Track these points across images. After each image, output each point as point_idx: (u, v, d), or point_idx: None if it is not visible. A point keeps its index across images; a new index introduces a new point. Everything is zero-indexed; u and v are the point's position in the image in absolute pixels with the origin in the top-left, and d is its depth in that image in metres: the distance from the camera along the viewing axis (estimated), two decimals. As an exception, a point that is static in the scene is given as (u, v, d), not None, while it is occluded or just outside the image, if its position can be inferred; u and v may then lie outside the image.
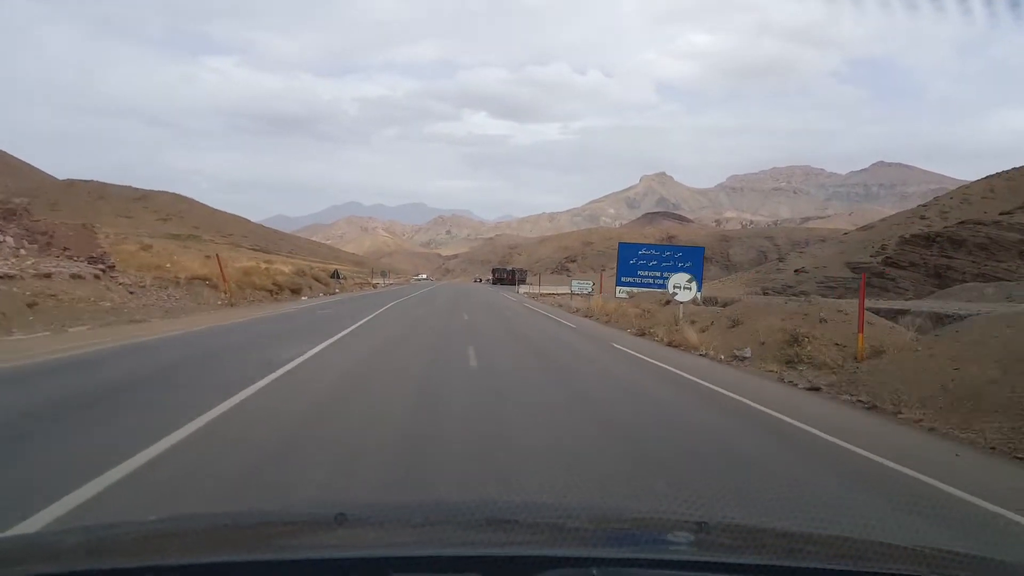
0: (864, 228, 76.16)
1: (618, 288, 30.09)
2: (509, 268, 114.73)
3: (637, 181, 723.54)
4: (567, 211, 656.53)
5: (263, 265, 33.65)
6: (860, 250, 57.71)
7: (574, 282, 41.26)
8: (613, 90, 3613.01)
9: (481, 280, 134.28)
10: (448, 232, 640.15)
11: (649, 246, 35.44)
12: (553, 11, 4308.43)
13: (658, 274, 29.81)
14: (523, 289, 62.87)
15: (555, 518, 1.82)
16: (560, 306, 34.27)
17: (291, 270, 35.82)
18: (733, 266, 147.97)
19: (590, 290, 37.43)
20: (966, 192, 65.80)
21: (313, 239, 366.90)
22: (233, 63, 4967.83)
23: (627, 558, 1.36)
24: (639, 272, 31.39)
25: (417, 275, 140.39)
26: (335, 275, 38.55)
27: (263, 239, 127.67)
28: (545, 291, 58.23)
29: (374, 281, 66.66)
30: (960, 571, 1.51)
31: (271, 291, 26.36)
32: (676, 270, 23.73)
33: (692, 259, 30.21)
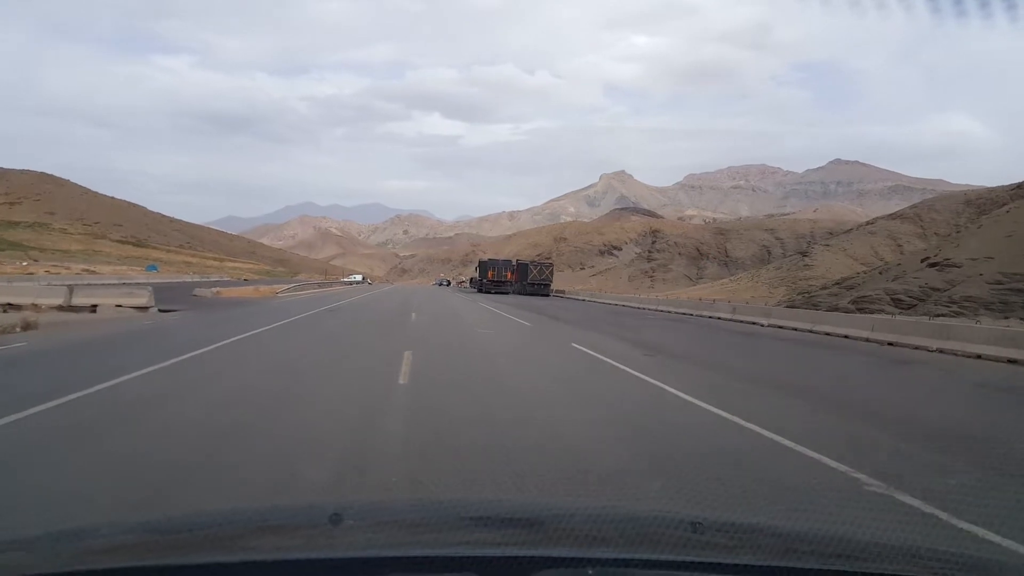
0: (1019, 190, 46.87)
1: None
2: (515, 261, 61.76)
3: (596, 180, 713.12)
4: (527, 210, 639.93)
5: None
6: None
7: None
8: (562, 91, 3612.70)
9: (450, 283, 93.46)
10: (405, 231, 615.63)
11: None
12: (499, 14, 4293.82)
13: None
14: None
15: (551, 518, 1.81)
16: None
17: None
18: (733, 263, 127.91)
19: None
20: None
21: (261, 240, 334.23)
22: (185, 63, 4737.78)
23: (623, 558, 1.35)
24: None
25: (351, 276, 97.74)
26: None
27: (147, 230, 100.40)
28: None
29: (118, 300, 18.33)
30: (956, 572, 1.52)
31: None
32: None
33: None
